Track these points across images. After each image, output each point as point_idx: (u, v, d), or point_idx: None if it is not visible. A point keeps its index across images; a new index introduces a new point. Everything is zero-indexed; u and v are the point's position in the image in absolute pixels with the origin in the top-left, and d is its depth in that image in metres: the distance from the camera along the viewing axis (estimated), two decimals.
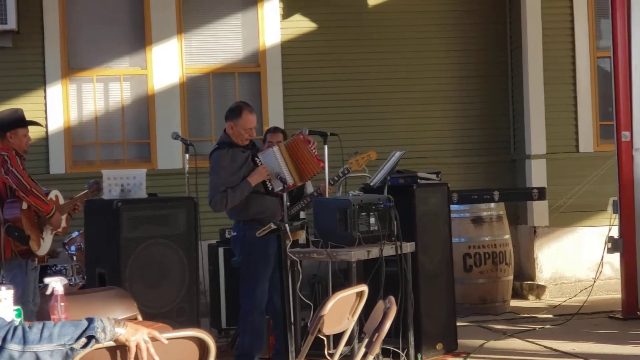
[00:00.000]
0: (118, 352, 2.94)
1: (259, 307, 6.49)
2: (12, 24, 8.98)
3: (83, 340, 2.84)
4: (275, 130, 7.47)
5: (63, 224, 7.04)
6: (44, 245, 6.84)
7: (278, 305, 6.56)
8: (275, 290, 6.56)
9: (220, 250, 7.84)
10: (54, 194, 7.04)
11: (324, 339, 4.26)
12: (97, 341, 2.86)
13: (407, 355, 6.46)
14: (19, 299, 6.01)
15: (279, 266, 6.45)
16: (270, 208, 6.56)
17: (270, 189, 6.56)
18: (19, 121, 6.91)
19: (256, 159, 6.56)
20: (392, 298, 3.86)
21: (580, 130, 9.98)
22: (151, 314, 5.53)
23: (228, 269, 7.65)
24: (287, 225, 5.95)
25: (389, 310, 3.73)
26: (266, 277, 6.51)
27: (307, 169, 6.58)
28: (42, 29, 9.38)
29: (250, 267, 6.52)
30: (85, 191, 7.05)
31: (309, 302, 6.43)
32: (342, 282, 6.49)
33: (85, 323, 2.87)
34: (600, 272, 8.65)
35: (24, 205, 6.70)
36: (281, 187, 6.43)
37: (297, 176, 6.56)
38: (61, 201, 7.07)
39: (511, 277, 9.06)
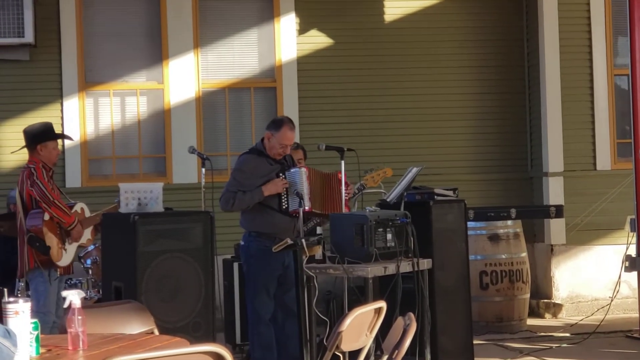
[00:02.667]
0: None
1: (263, 318, 6.49)
2: (29, 37, 9.01)
3: None
4: (297, 147, 7.45)
5: (88, 236, 7.09)
6: (66, 256, 6.89)
7: (282, 321, 6.55)
8: (280, 307, 6.55)
9: (235, 265, 7.84)
10: (79, 206, 7.10)
11: (341, 355, 4.22)
12: None
13: None
14: (39, 309, 6.04)
15: (294, 282, 6.44)
16: (278, 225, 6.54)
17: (285, 207, 6.54)
18: (49, 134, 7.00)
19: (281, 175, 6.55)
20: (412, 315, 3.82)
21: (598, 148, 9.93)
22: (167, 328, 5.50)
23: (242, 284, 7.63)
24: (303, 240, 5.92)
25: (409, 327, 3.69)
26: (267, 290, 6.52)
27: (330, 206, 6.58)
28: (59, 42, 9.41)
29: (251, 278, 6.56)
30: (114, 204, 7.06)
31: (324, 318, 6.39)
32: (358, 298, 6.46)
33: None
34: (618, 291, 8.57)
35: (46, 217, 6.78)
36: (296, 207, 6.40)
37: (317, 204, 6.53)
38: (87, 214, 7.11)
39: (528, 295, 9.00)
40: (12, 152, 7.47)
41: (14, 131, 9.11)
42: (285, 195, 6.54)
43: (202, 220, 6.31)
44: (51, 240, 6.78)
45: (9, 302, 3.28)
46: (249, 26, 9.87)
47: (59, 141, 8.55)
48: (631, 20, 8.37)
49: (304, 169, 6.59)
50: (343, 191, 6.57)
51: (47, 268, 6.80)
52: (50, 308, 6.74)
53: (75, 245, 6.97)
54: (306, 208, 6.43)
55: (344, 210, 6.59)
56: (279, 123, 6.65)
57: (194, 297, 6.15)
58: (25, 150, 7.11)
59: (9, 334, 2.66)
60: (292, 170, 6.61)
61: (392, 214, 6.35)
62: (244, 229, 6.74)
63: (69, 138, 7.81)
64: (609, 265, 9.54)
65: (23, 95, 9.36)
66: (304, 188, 6.47)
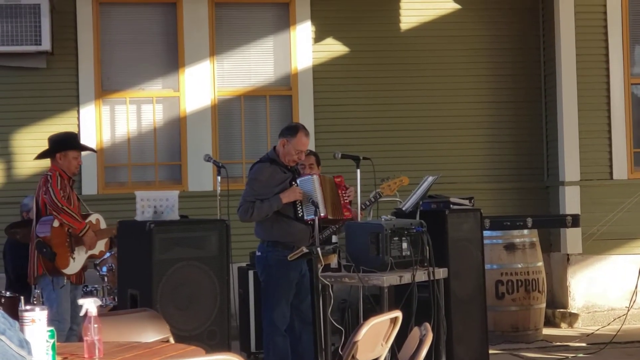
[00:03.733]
0: None
1: (279, 329, 6.48)
2: (46, 45, 9.05)
3: None
4: (308, 153, 7.44)
5: (101, 247, 7.08)
6: (74, 265, 6.88)
7: (299, 330, 6.53)
8: (297, 315, 6.54)
9: (250, 273, 7.84)
10: (94, 217, 7.10)
11: None
12: None
13: None
14: (53, 317, 6.06)
15: (310, 290, 6.43)
16: (295, 234, 6.53)
17: (300, 215, 6.53)
18: (69, 143, 7.03)
19: (294, 183, 6.55)
20: (428, 325, 3.80)
21: (614, 157, 9.89)
22: (182, 336, 5.50)
23: (258, 292, 7.63)
24: (319, 249, 5.91)
25: (425, 338, 3.67)
26: (286, 300, 6.50)
27: (338, 211, 6.59)
28: (76, 50, 9.45)
29: (269, 288, 6.54)
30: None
31: (339, 327, 6.37)
32: (373, 307, 6.44)
33: None
34: (634, 300, 8.53)
35: (55, 223, 6.78)
36: (312, 215, 6.40)
37: (330, 210, 6.53)
38: (102, 225, 7.12)
39: (544, 305, 8.96)
40: (34, 159, 7.49)
41: (31, 138, 9.15)
42: (299, 204, 6.54)
43: (217, 228, 6.30)
44: (58, 247, 6.79)
45: (26, 310, 3.28)
46: (265, 34, 9.88)
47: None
48: None
49: (315, 176, 6.58)
50: (343, 195, 6.59)
51: (53, 275, 6.81)
52: (64, 315, 6.74)
53: (85, 253, 6.97)
54: (322, 215, 6.42)
55: (343, 213, 6.59)
56: (293, 129, 6.65)
57: (209, 305, 6.14)
58: (43, 157, 7.16)
59: (24, 343, 2.64)
60: (303, 177, 6.60)
61: (407, 223, 6.33)
62: (259, 239, 6.72)
63: (92, 150, 7.84)
64: (625, 275, 9.49)
65: (40, 102, 9.40)
66: (318, 195, 6.47)
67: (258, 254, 6.70)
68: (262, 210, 6.48)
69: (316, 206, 6.37)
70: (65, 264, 6.83)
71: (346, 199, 6.62)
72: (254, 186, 6.55)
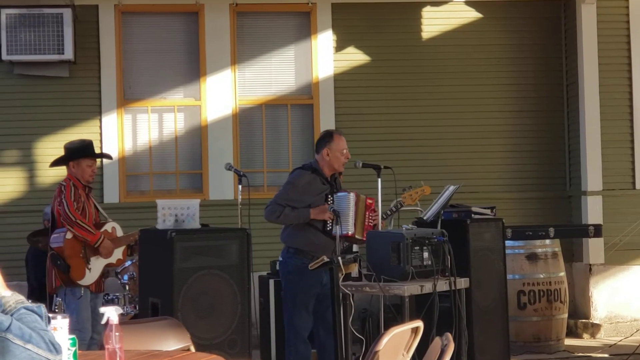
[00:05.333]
0: None
1: (301, 336, 6.48)
2: (69, 54, 9.11)
3: None
4: None
5: (119, 255, 7.07)
6: (90, 275, 6.87)
7: (324, 339, 6.52)
8: (321, 323, 6.53)
9: (271, 282, 7.83)
10: (110, 225, 7.10)
11: None
12: None
13: None
14: (73, 327, 6.08)
15: (331, 299, 6.41)
16: (320, 245, 6.52)
17: (328, 228, 6.52)
18: (82, 151, 7.02)
19: (329, 197, 6.54)
20: (450, 335, 3.78)
21: (637, 167, 9.83)
22: (203, 345, 5.50)
23: (278, 301, 7.62)
24: (340, 258, 5.90)
25: (447, 348, 3.65)
26: (306, 307, 6.51)
27: (362, 232, 6.58)
28: (98, 59, 9.49)
29: (289, 295, 6.56)
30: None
31: (360, 337, 6.36)
32: (394, 316, 6.42)
33: None
34: None
35: (69, 235, 6.78)
36: (340, 232, 6.37)
37: (359, 229, 6.50)
38: (119, 233, 7.11)
39: (566, 315, 8.90)
40: (49, 166, 7.52)
41: (53, 147, 9.19)
42: (330, 220, 6.53)
43: (238, 237, 6.31)
44: (72, 259, 6.79)
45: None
46: (286, 43, 9.89)
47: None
48: None
49: (352, 194, 6.53)
50: (367, 216, 6.59)
51: (68, 286, 6.82)
52: (85, 325, 6.74)
53: (102, 263, 6.96)
54: (350, 233, 6.38)
55: (362, 234, 6.57)
56: (328, 136, 6.68)
57: (230, 314, 6.14)
58: (57, 165, 7.17)
59: (53, 347, 2.62)
60: (341, 193, 6.58)
61: (428, 232, 6.31)
62: (283, 244, 6.73)
63: (108, 157, 7.83)
64: None
65: (62, 111, 9.45)
66: (351, 213, 6.43)
67: (280, 259, 6.73)
68: (289, 219, 6.51)
69: (337, 215, 6.34)
70: (81, 276, 6.82)
71: (371, 222, 6.59)
72: (289, 190, 6.57)
